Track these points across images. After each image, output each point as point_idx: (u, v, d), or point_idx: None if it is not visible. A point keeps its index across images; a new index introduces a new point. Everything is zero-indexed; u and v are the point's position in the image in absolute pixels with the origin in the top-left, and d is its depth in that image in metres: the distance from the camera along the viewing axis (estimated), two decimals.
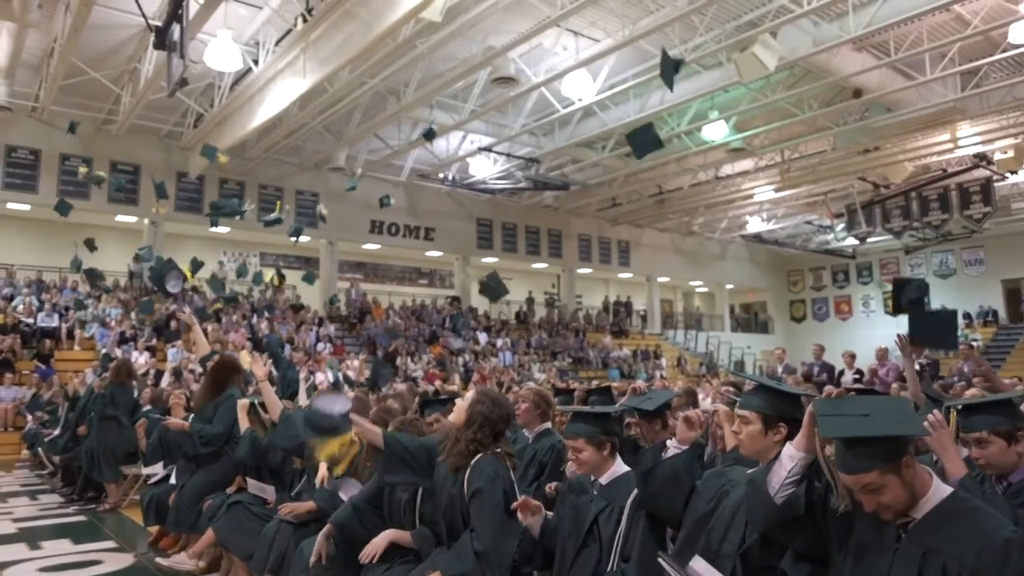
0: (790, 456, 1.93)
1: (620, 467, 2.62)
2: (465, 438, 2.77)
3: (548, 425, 4.11)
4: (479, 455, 2.75)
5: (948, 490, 1.74)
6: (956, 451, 2.20)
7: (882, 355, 10.10)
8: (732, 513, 2.31)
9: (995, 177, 17.49)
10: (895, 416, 1.72)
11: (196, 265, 9.81)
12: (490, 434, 2.78)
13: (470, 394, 2.97)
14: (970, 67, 12.16)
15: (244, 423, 4.55)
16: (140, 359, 12.26)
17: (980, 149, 16.13)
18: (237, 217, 9.41)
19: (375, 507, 3.27)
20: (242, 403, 4.62)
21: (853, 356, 10.20)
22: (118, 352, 11.84)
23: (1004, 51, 11.53)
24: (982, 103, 13.75)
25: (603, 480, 2.59)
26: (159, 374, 11.32)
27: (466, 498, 2.69)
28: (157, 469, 5.97)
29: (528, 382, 13.61)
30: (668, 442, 2.43)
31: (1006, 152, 16.00)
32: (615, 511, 2.50)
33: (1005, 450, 2.27)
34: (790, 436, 2.15)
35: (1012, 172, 16.94)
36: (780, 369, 10.36)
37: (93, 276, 11.11)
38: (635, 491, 2.45)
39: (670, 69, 5.55)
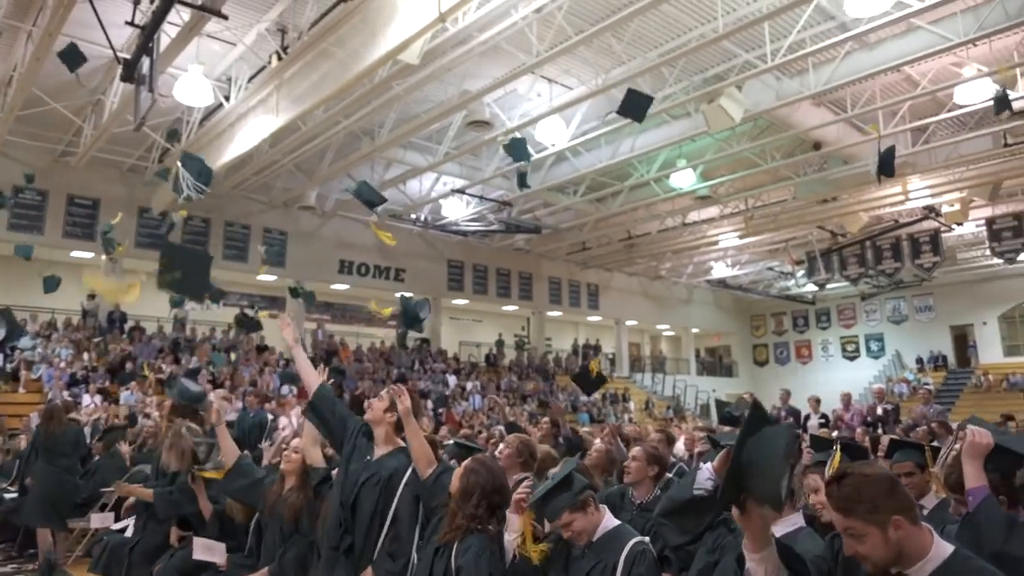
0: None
1: (610, 521, 2.51)
2: (464, 513, 2.60)
3: (528, 475, 4.01)
4: (472, 533, 2.58)
5: (949, 549, 1.72)
6: (980, 466, 2.26)
7: (847, 400, 10.28)
8: (734, 567, 2.24)
9: (943, 228, 18.31)
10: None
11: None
12: (488, 508, 2.61)
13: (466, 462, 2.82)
14: (919, 124, 12.78)
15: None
16: (91, 403, 11.67)
17: (929, 202, 16.86)
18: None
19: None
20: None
21: (818, 401, 10.35)
22: (66, 395, 11.24)
23: (950, 111, 12.18)
24: (931, 158, 14.47)
25: (593, 536, 2.48)
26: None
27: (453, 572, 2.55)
28: (108, 522, 5.59)
29: (497, 426, 13.36)
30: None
31: (953, 205, 16.75)
32: (607, 568, 2.40)
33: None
34: (792, 489, 2.12)
35: (958, 224, 17.76)
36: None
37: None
38: (628, 545, 2.37)
39: (639, 106, 5.34)
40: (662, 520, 2.30)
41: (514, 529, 2.56)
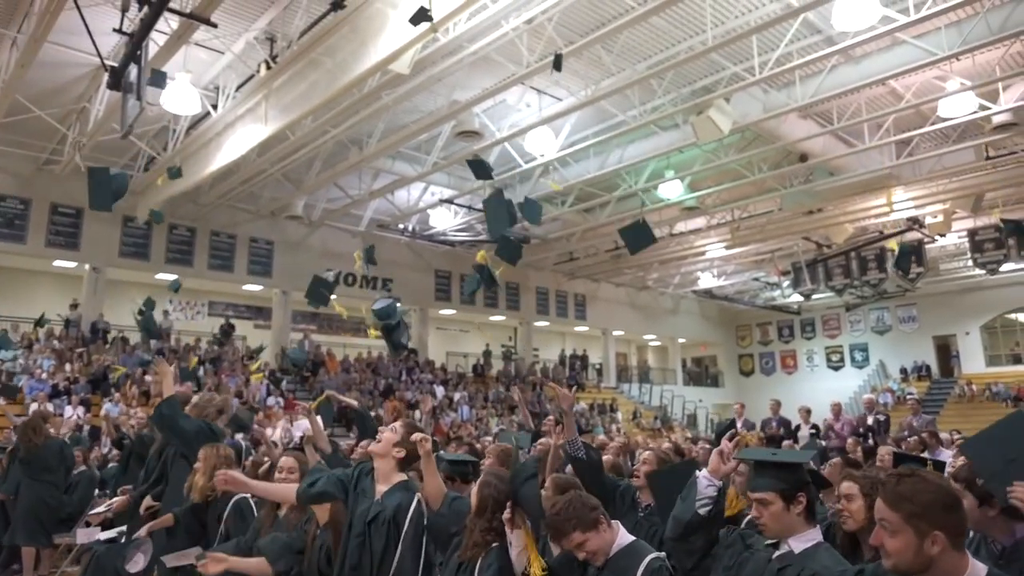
0: None
1: (624, 537, 2.44)
2: (479, 527, 2.55)
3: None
4: (494, 545, 2.54)
5: (983, 569, 1.71)
6: None
7: (837, 410, 10.32)
8: None
9: (926, 239, 18.53)
10: None
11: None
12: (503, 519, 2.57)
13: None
14: (904, 137, 12.93)
15: None
16: (73, 415, 11.45)
17: (913, 213, 17.08)
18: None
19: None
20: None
21: (809, 411, 10.39)
22: (49, 407, 11.02)
23: (934, 124, 12.33)
24: (914, 170, 14.64)
25: (608, 554, 2.41)
26: (94, 431, 10.56)
27: None
28: (94, 536, 5.46)
29: (486, 436, 13.29)
30: (699, 472, 2.31)
31: (936, 216, 16.99)
32: None
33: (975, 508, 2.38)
34: (809, 504, 2.09)
35: (941, 235, 17.99)
36: (740, 424, 10.43)
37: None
38: (645, 562, 2.32)
39: (640, 239, 5.05)
40: (673, 543, 2.25)
41: (517, 545, 2.52)
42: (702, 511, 2.18)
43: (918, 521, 1.66)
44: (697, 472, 2.39)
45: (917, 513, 1.66)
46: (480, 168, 6.85)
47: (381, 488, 2.91)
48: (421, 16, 7.15)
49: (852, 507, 2.46)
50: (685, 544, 2.20)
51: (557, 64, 7.50)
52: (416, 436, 2.86)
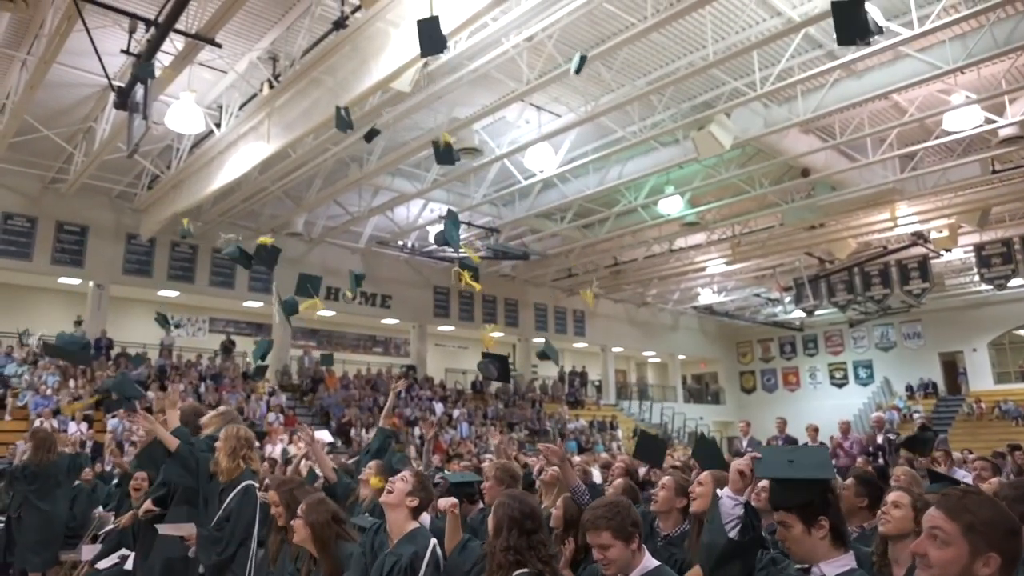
0: None
1: (649, 562, 2.37)
2: (498, 548, 2.48)
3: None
4: (520, 570, 2.44)
5: None
6: None
7: (846, 429, 10.18)
8: None
9: (931, 255, 18.45)
10: None
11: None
12: (521, 535, 2.49)
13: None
14: (907, 151, 12.84)
15: None
16: (77, 431, 11.38)
17: (917, 228, 16.98)
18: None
19: None
20: None
21: (816, 429, 10.22)
22: (53, 422, 10.96)
23: (938, 137, 12.23)
24: (919, 185, 14.58)
25: (628, 575, 2.35)
26: (97, 447, 10.48)
27: None
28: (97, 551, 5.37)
29: (486, 454, 13.16)
30: (720, 491, 2.21)
31: (941, 231, 16.84)
32: None
33: None
34: (833, 528, 1.99)
35: (947, 250, 17.89)
36: (745, 443, 10.29)
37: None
38: None
39: (654, 449, 4.90)
40: (709, 572, 2.16)
41: None
42: (734, 534, 2.07)
43: (976, 537, 1.55)
44: (719, 491, 2.30)
45: (978, 529, 1.55)
46: (445, 155, 7.20)
47: (395, 537, 2.93)
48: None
49: (896, 513, 2.46)
50: (721, 572, 2.10)
51: (580, 66, 7.59)
52: (444, 504, 2.92)
